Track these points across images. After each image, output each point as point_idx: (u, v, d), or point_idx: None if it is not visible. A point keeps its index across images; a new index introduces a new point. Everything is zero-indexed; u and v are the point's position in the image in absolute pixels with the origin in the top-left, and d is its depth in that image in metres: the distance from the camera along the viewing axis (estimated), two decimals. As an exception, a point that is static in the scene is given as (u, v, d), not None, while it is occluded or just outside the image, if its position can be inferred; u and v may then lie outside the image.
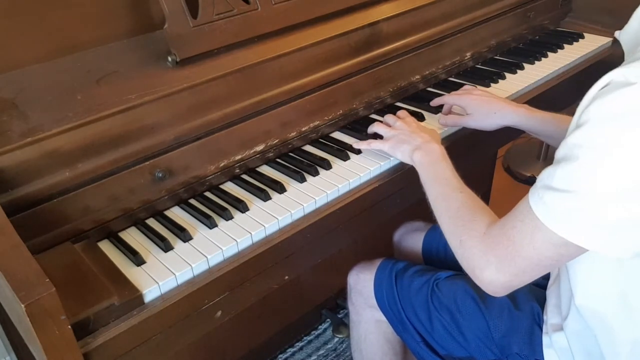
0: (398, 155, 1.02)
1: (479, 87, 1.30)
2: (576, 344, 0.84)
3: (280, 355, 1.67)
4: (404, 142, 1.01)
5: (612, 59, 1.52)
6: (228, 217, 0.93)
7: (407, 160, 1.00)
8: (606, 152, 0.61)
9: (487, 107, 1.11)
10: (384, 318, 1.11)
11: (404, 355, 1.21)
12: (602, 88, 0.65)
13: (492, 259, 0.74)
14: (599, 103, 0.63)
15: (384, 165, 1.05)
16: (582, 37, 1.55)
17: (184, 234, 0.89)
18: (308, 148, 1.13)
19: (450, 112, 1.18)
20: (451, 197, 0.88)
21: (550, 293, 0.93)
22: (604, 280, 0.78)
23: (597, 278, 0.78)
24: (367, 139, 1.08)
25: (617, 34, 0.80)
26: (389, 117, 1.11)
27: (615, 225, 0.64)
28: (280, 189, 0.99)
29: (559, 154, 0.68)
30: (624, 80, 0.61)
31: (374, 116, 1.23)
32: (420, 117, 1.20)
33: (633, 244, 0.65)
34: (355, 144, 1.09)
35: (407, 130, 1.04)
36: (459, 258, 0.81)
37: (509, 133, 1.14)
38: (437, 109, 1.22)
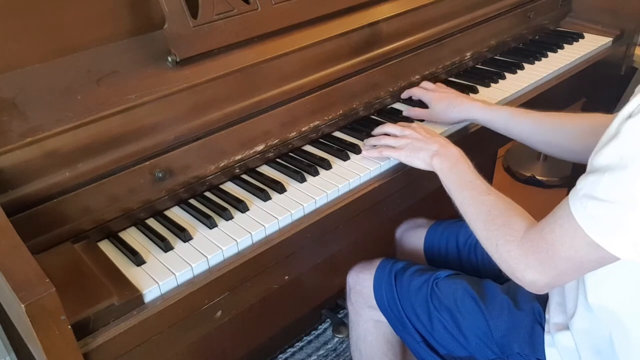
0: (416, 163, 1.00)
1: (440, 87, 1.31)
2: (583, 342, 0.84)
3: (280, 355, 1.67)
4: (420, 150, 1.00)
5: (612, 59, 1.52)
6: (228, 217, 0.93)
7: (426, 168, 0.99)
8: None
9: (446, 101, 1.14)
10: (383, 318, 1.11)
11: (403, 356, 1.21)
12: None
13: (532, 262, 0.75)
14: None
15: (384, 166, 1.05)
16: (582, 37, 1.55)
17: (184, 234, 0.89)
18: (308, 148, 1.13)
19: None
20: (479, 200, 0.87)
21: (553, 292, 0.93)
22: (621, 280, 0.77)
23: (614, 278, 0.78)
24: (369, 146, 1.08)
25: None
26: (393, 128, 1.09)
27: None
28: (280, 189, 0.99)
29: (600, 162, 0.67)
30: None
31: (374, 117, 1.23)
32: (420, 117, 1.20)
33: None
34: (366, 152, 1.07)
35: (420, 136, 1.03)
36: (497, 261, 0.81)
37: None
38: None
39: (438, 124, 1.16)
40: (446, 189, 0.95)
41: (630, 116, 0.64)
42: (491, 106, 1.11)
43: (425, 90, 1.20)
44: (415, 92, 1.22)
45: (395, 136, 1.06)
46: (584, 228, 0.67)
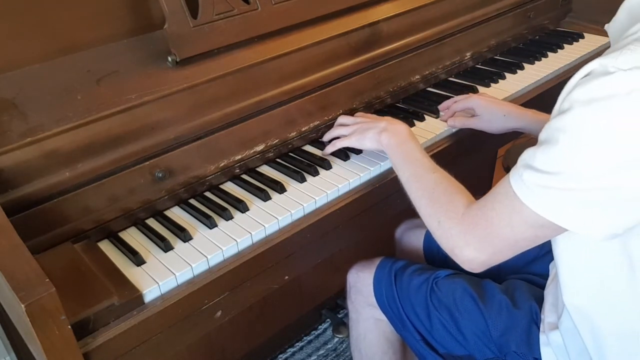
0: (367, 143, 1.02)
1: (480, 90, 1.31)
2: (570, 341, 0.85)
3: (280, 355, 1.67)
4: (368, 130, 1.02)
5: (612, 59, 1.52)
6: (228, 217, 0.93)
7: (376, 146, 1.01)
8: (584, 137, 0.64)
9: (496, 109, 1.12)
10: (383, 317, 1.11)
11: (403, 354, 1.21)
12: (584, 77, 0.67)
13: (470, 239, 0.77)
14: (580, 91, 0.65)
15: (384, 166, 1.05)
16: (582, 37, 1.55)
17: (184, 234, 0.89)
18: (308, 148, 1.13)
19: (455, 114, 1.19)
20: (424, 177, 0.89)
21: (548, 292, 0.93)
22: (585, 276, 0.79)
23: (579, 274, 0.80)
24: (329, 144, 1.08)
25: (606, 26, 0.82)
26: (344, 118, 1.12)
27: (589, 205, 0.66)
28: (280, 189, 0.99)
29: (541, 136, 0.70)
30: (603, 70, 0.64)
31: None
32: (420, 117, 1.20)
33: (605, 224, 0.67)
34: (323, 152, 1.08)
35: (368, 120, 1.06)
36: (438, 238, 0.83)
37: (509, 133, 1.14)
38: (437, 110, 1.22)
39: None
40: (393, 165, 0.97)
41: (568, 93, 0.67)
42: (541, 115, 1.08)
43: (466, 99, 1.16)
44: (457, 107, 1.17)
45: (347, 125, 1.08)
46: (516, 191, 0.70)
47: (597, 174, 0.63)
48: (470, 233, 0.77)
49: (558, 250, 0.82)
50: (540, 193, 0.68)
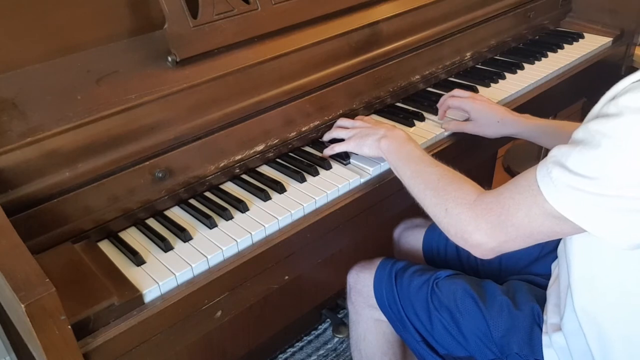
0: (365, 150, 1.02)
1: (478, 91, 1.31)
2: (574, 343, 0.85)
3: (280, 355, 1.67)
4: (367, 136, 1.02)
5: (612, 59, 1.52)
6: (228, 217, 0.93)
7: (375, 153, 1.01)
8: (631, 145, 0.62)
9: (491, 114, 1.11)
10: (383, 317, 1.11)
11: (403, 355, 1.21)
12: (634, 82, 0.64)
13: (482, 224, 0.76)
14: (631, 97, 0.63)
15: (384, 166, 1.05)
16: (582, 37, 1.55)
17: (184, 234, 0.89)
18: (308, 148, 1.13)
19: (445, 114, 1.19)
20: (427, 172, 0.89)
21: (551, 292, 0.93)
22: (600, 280, 0.78)
23: (594, 277, 0.79)
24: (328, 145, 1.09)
25: None
26: (344, 121, 1.12)
27: (620, 213, 0.64)
28: (280, 189, 0.99)
29: (577, 135, 0.68)
30: None
31: (374, 116, 1.23)
32: (420, 117, 1.20)
33: (634, 234, 0.65)
34: (325, 151, 1.08)
35: (368, 125, 1.06)
36: (445, 226, 0.82)
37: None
38: (437, 110, 1.22)
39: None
40: (394, 169, 0.97)
41: (613, 98, 0.65)
42: (535, 120, 1.08)
43: (462, 100, 1.15)
44: (452, 104, 1.16)
45: (347, 128, 1.09)
46: (542, 187, 0.68)
47: (636, 184, 0.62)
48: (482, 218, 0.76)
49: (573, 250, 0.80)
50: (568, 193, 0.66)
